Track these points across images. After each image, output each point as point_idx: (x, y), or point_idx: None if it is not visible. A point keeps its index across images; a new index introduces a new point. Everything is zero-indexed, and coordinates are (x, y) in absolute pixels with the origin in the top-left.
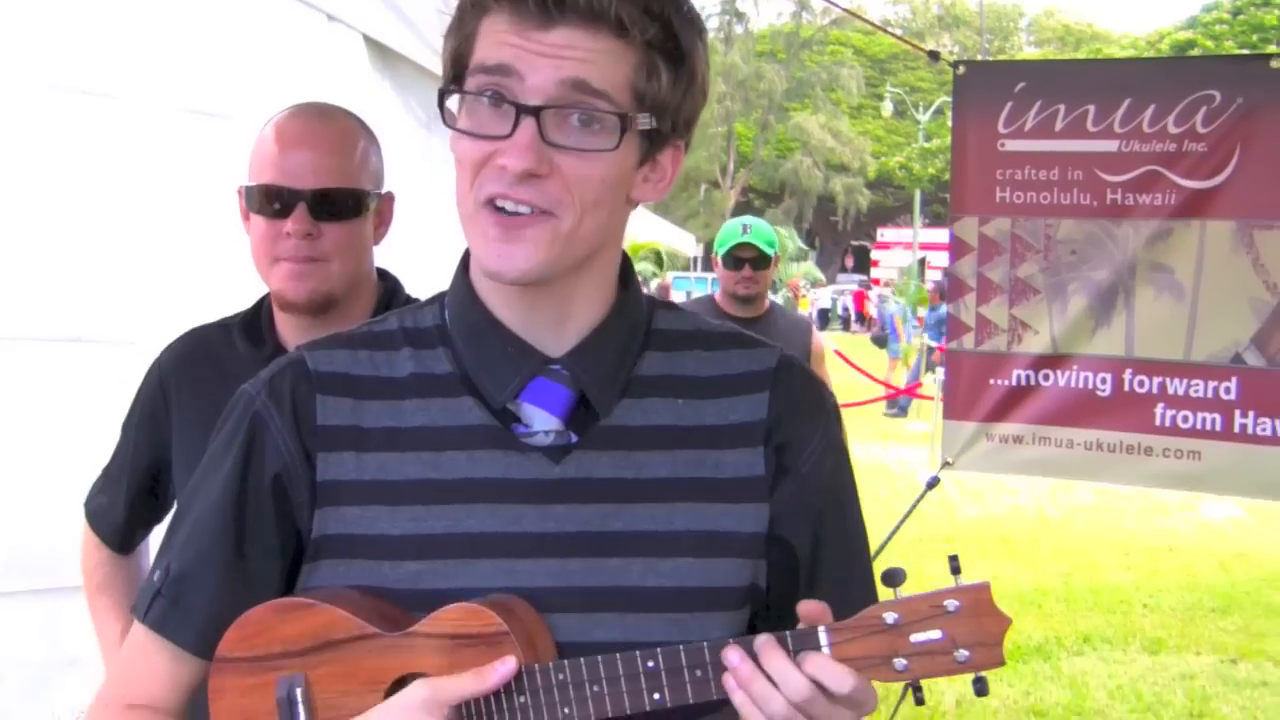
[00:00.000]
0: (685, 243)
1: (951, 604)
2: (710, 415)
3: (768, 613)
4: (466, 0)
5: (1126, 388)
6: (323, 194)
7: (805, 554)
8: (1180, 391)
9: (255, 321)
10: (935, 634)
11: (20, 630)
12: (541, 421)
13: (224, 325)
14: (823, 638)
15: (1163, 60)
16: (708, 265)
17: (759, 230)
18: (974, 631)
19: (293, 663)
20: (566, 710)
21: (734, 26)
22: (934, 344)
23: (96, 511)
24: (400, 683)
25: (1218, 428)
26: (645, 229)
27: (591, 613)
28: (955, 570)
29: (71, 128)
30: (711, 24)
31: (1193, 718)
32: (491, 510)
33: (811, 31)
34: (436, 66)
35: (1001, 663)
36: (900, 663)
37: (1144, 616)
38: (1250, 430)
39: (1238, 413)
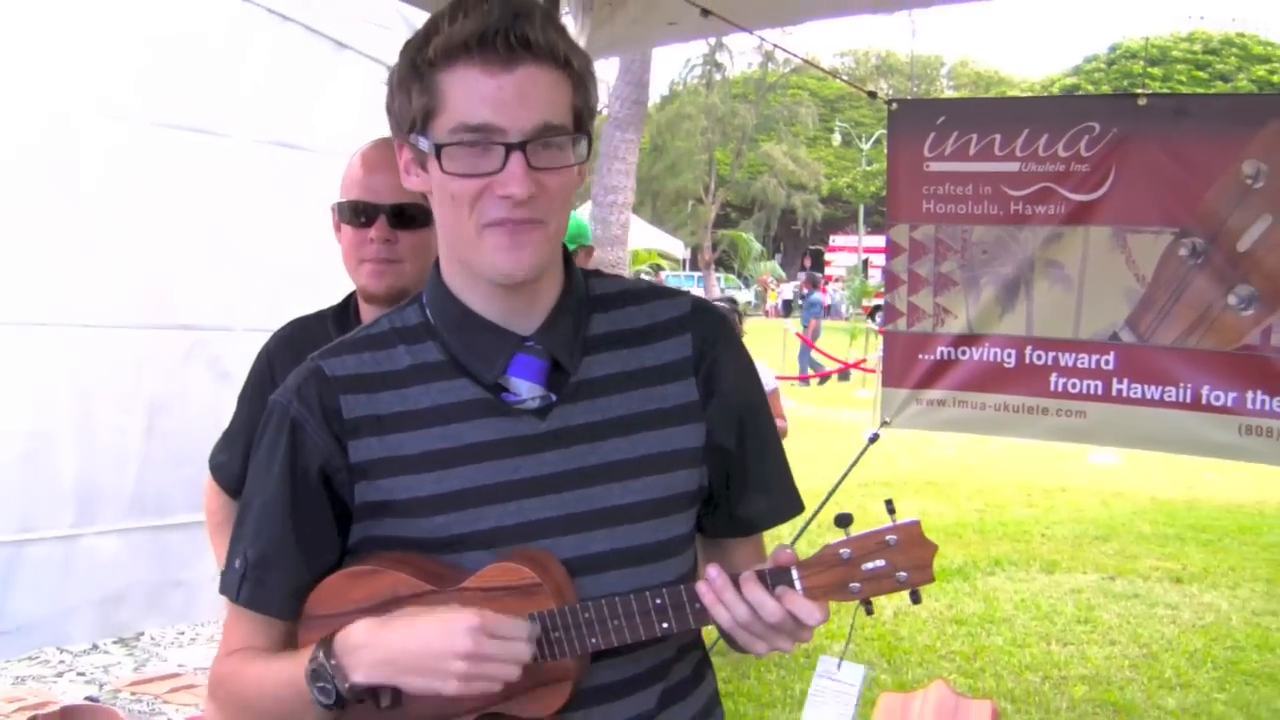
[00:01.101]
0: (676, 248)
1: (891, 538)
2: (649, 358)
3: (709, 503)
4: (422, 59)
5: (1027, 360)
6: (398, 208)
7: (734, 450)
8: (1070, 363)
9: (344, 312)
10: (880, 562)
11: (139, 557)
12: (527, 389)
13: (320, 315)
14: (794, 573)
15: (1053, 98)
16: (695, 265)
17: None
18: (910, 558)
19: (367, 617)
20: (593, 640)
21: (714, 74)
22: (803, 325)
23: (218, 466)
24: None
25: (1099, 392)
26: (645, 238)
27: (586, 531)
28: (891, 511)
29: (182, 159)
30: (695, 72)
31: (1080, 623)
32: (496, 465)
33: (776, 77)
34: None
35: (931, 580)
36: (854, 586)
37: (1042, 544)
38: (1126, 394)
39: (1115, 379)
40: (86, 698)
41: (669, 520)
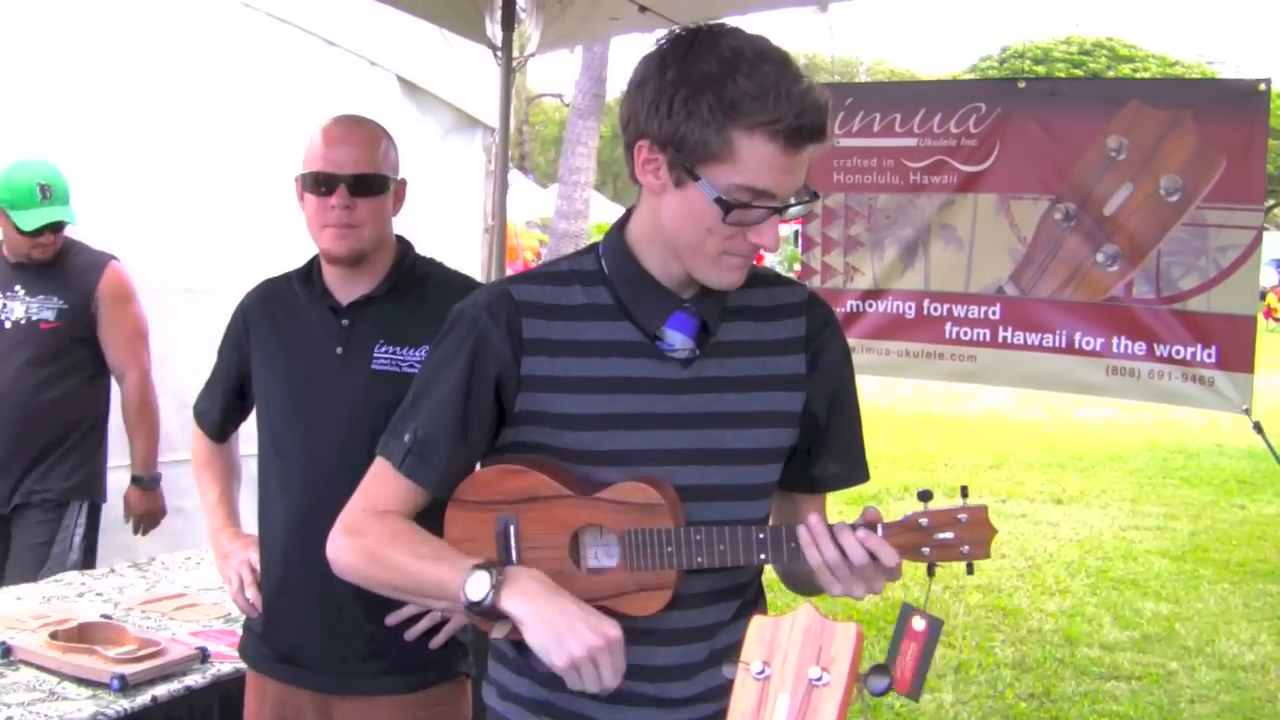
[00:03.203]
0: None
1: (963, 516)
2: (770, 333)
3: (790, 459)
4: (724, 105)
5: (925, 312)
6: (357, 178)
7: (822, 419)
8: (962, 314)
9: (309, 273)
10: (950, 535)
11: None
12: (680, 342)
13: (287, 276)
14: (879, 530)
15: (945, 82)
16: None
17: (60, 195)
18: (974, 535)
19: (508, 508)
20: (699, 559)
21: None
22: None
23: (200, 412)
24: (579, 531)
25: (987, 339)
26: (608, 214)
27: (704, 465)
28: (964, 495)
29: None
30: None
31: None
32: (642, 398)
33: None
34: (447, 94)
35: (988, 556)
36: (926, 550)
37: (945, 471)
38: (1010, 340)
39: (1001, 328)
40: (101, 615)
41: (766, 468)
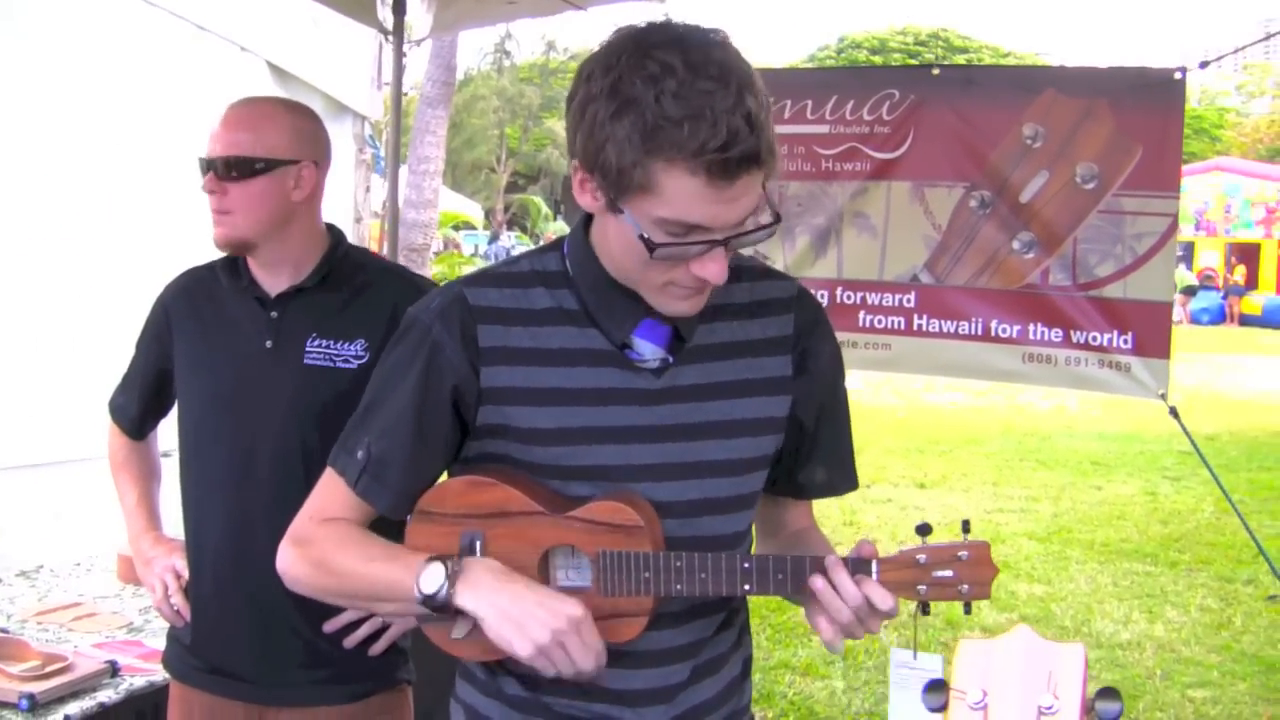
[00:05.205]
0: (474, 210)
1: (963, 554)
2: (754, 331)
3: (776, 465)
4: (645, 133)
5: (838, 300)
6: (224, 160)
7: (810, 427)
8: (876, 302)
9: (233, 262)
10: (949, 572)
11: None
12: (650, 351)
13: (210, 266)
14: (873, 567)
15: (858, 69)
16: (485, 225)
17: None
18: (974, 574)
19: (475, 523)
20: (679, 587)
21: (504, 60)
22: None
23: (117, 408)
24: (550, 551)
25: (902, 327)
26: (447, 202)
27: (683, 480)
28: (965, 530)
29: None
30: (487, 60)
31: (845, 525)
32: (614, 410)
33: (558, 64)
34: (318, 81)
35: (987, 596)
36: (922, 588)
37: None
38: (925, 328)
39: (916, 316)
40: None
41: (750, 477)
